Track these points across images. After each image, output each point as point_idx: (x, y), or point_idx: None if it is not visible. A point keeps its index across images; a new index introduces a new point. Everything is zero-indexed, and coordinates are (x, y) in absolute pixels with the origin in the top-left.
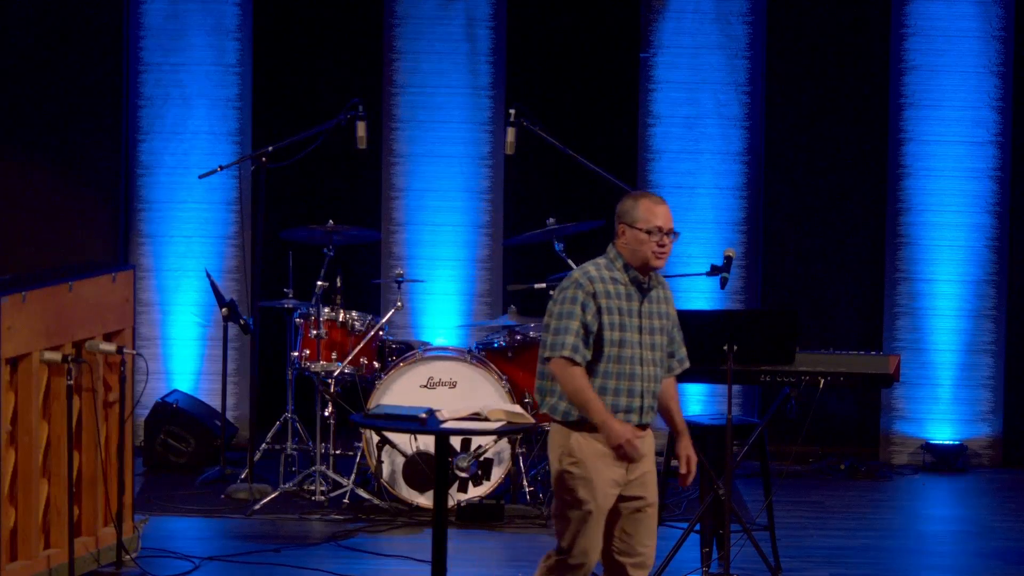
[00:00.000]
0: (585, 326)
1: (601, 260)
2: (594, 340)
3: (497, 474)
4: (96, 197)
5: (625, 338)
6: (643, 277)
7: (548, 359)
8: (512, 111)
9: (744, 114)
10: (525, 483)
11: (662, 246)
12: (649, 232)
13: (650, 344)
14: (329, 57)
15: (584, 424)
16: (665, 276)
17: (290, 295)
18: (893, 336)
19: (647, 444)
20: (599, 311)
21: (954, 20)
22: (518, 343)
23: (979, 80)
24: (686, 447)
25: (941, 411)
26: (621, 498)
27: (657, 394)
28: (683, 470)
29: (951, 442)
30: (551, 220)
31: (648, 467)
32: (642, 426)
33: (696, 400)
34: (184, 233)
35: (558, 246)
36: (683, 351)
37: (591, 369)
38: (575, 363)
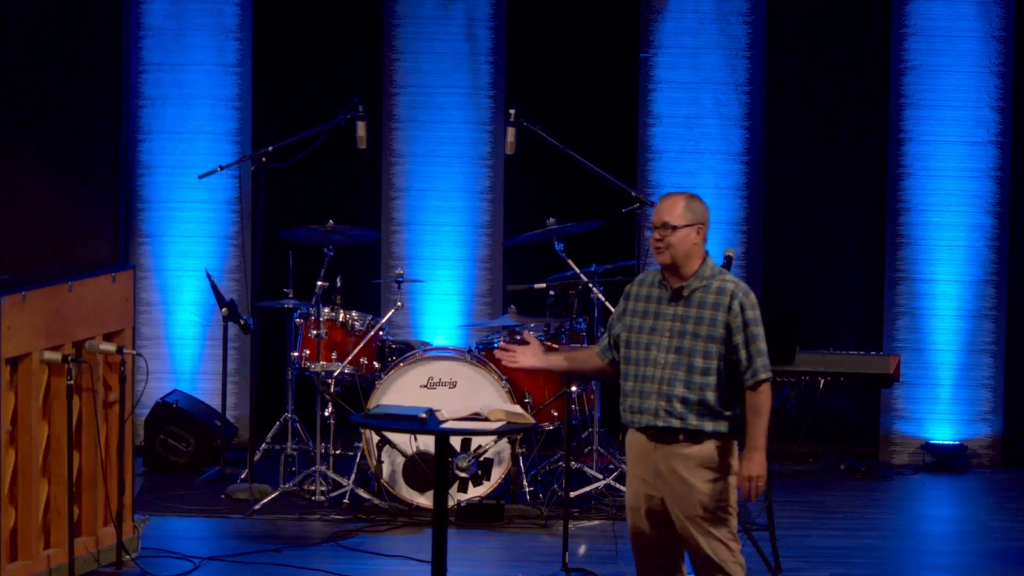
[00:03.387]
0: (611, 325)
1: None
2: (615, 338)
3: (497, 474)
4: (96, 197)
5: (641, 339)
6: (674, 279)
7: None
8: (512, 111)
9: (744, 114)
10: (525, 483)
11: (658, 241)
12: (650, 231)
13: (668, 347)
14: (329, 57)
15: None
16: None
17: (290, 295)
18: (893, 336)
19: (668, 453)
20: (624, 312)
21: (954, 20)
22: (518, 343)
23: (979, 80)
24: (743, 465)
25: (941, 411)
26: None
27: (691, 399)
28: (741, 486)
29: (951, 442)
30: (551, 220)
31: (667, 473)
32: (654, 428)
33: None
34: (184, 233)
35: (558, 246)
36: (756, 364)
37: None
38: (592, 347)
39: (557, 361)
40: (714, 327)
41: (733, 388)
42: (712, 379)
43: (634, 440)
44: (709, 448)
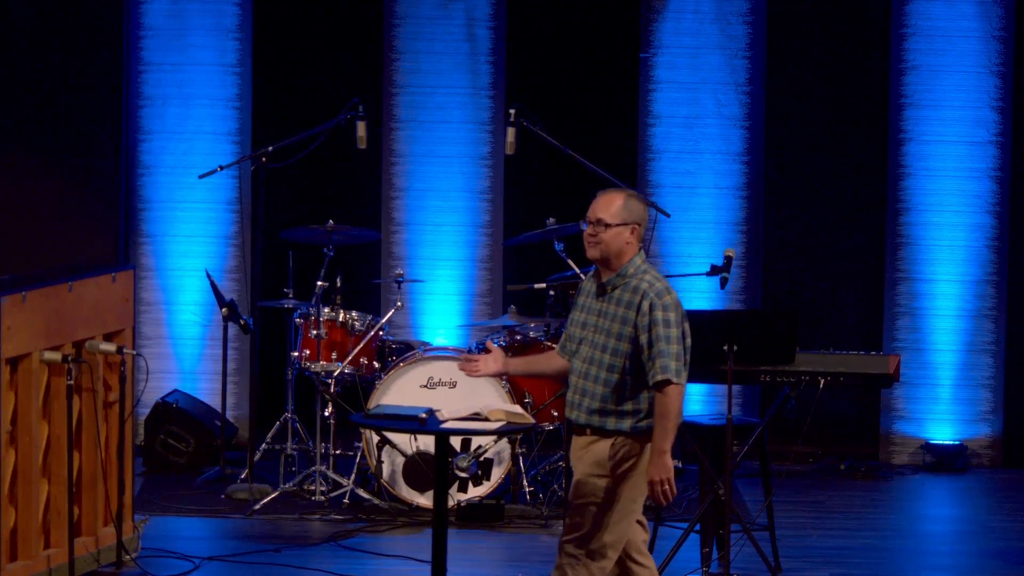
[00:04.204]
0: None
1: None
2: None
3: (497, 474)
4: (96, 197)
5: (575, 334)
6: (604, 273)
7: None
8: (512, 111)
9: (744, 114)
10: (525, 483)
11: (591, 236)
12: (585, 224)
13: (591, 342)
14: (329, 57)
15: None
16: (666, 276)
17: (290, 295)
18: (893, 336)
19: (577, 446)
20: (573, 307)
21: (954, 20)
22: (518, 343)
23: (979, 80)
24: (648, 468)
25: (941, 411)
26: None
27: (597, 395)
28: (649, 491)
29: (951, 442)
30: (551, 220)
31: (576, 473)
32: (574, 422)
33: (696, 400)
34: (184, 233)
35: (558, 246)
36: (657, 365)
37: None
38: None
39: (519, 365)
40: (624, 325)
41: (642, 388)
42: (616, 377)
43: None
44: (608, 446)
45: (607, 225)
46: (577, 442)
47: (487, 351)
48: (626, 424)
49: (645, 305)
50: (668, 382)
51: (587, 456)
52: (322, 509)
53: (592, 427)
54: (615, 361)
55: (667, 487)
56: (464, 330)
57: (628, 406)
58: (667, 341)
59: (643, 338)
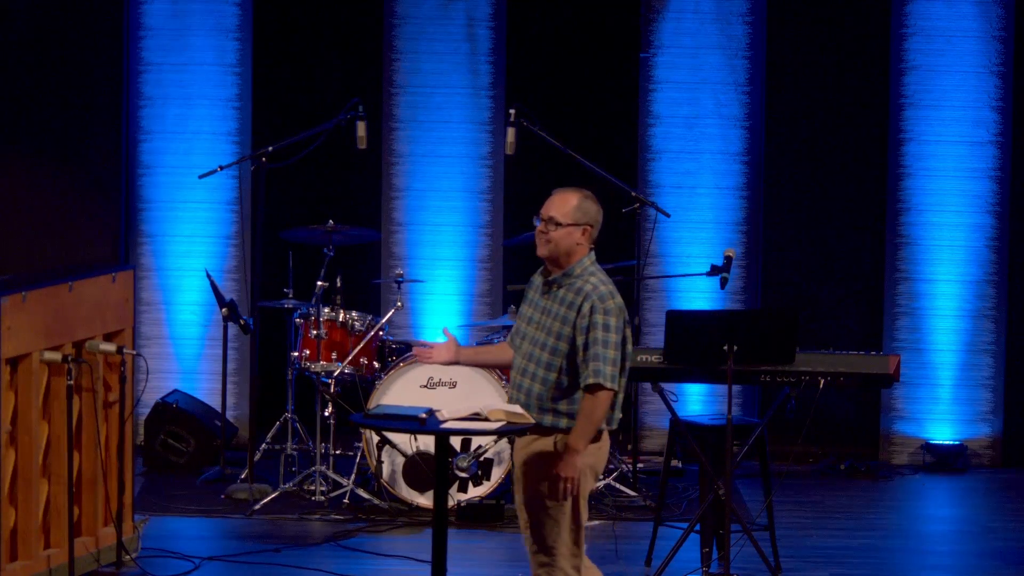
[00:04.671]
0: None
1: None
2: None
3: (497, 474)
4: (96, 197)
5: (521, 327)
6: (551, 269)
7: None
8: (512, 111)
9: (744, 114)
10: None
11: (542, 233)
12: (537, 220)
13: (532, 338)
14: (329, 57)
15: None
16: (666, 276)
17: (290, 295)
18: (893, 336)
19: (519, 443)
20: (522, 300)
21: (954, 20)
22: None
23: (979, 80)
24: (557, 463)
25: (941, 411)
26: None
27: (534, 392)
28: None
29: (951, 442)
30: None
31: (523, 471)
32: None
33: (696, 400)
34: (185, 233)
35: None
36: (590, 368)
37: None
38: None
39: (470, 355)
40: (564, 325)
41: (578, 389)
42: (554, 376)
43: None
44: (547, 443)
45: (558, 224)
46: (520, 440)
47: (403, 344)
48: (563, 423)
49: (586, 307)
50: (600, 386)
51: (531, 454)
52: (322, 509)
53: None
54: (554, 360)
55: (570, 484)
56: (464, 330)
57: (563, 406)
58: (604, 346)
59: (580, 340)
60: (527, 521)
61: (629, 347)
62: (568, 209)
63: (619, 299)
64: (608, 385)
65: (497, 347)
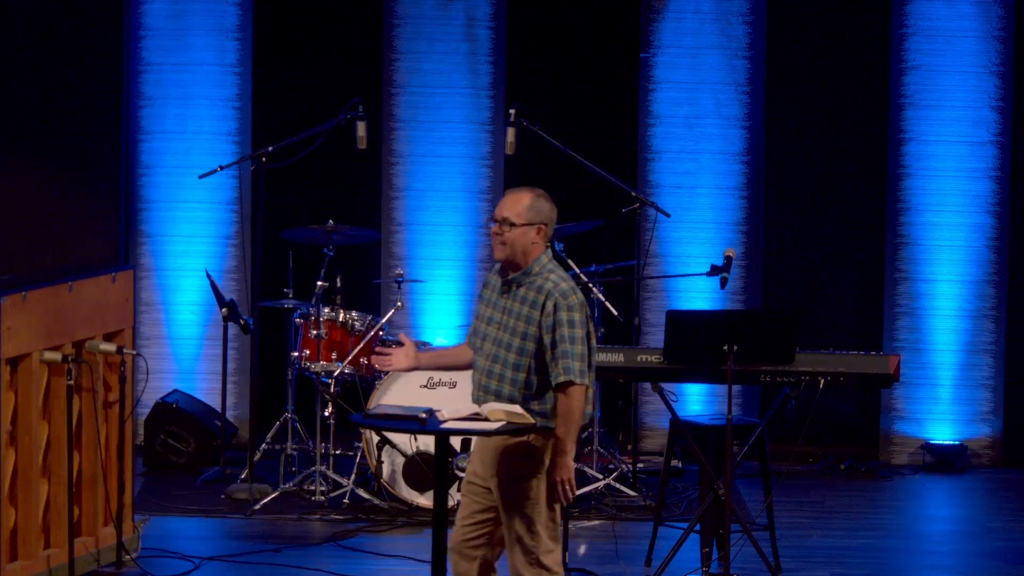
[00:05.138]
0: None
1: None
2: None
3: None
4: (96, 197)
5: (480, 328)
6: (508, 271)
7: None
8: (512, 111)
9: (744, 114)
10: None
11: (496, 235)
12: (493, 222)
13: (495, 338)
14: (329, 57)
15: None
16: (666, 276)
17: (290, 295)
18: (893, 336)
19: (487, 444)
20: (479, 301)
21: (954, 20)
22: (394, 344)
23: (979, 80)
24: (550, 469)
25: (941, 411)
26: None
27: (504, 393)
28: (553, 490)
29: (951, 442)
30: None
31: (497, 474)
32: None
33: (696, 400)
34: (184, 233)
35: (558, 246)
36: (560, 365)
37: None
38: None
39: (430, 359)
40: (529, 325)
41: (548, 388)
42: (522, 376)
43: None
44: (521, 443)
45: (512, 224)
46: (485, 441)
47: (399, 343)
48: (536, 422)
49: (550, 305)
50: (571, 383)
51: (504, 455)
52: (322, 509)
53: None
54: (521, 360)
55: (568, 487)
56: (464, 330)
57: (535, 405)
58: (571, 342)
59: (547, 338)
60: (509, 527)
61: (593, 342)
62: (521, 209)
63: (580, 295)
64: (578, 381)
65: (456, 349)
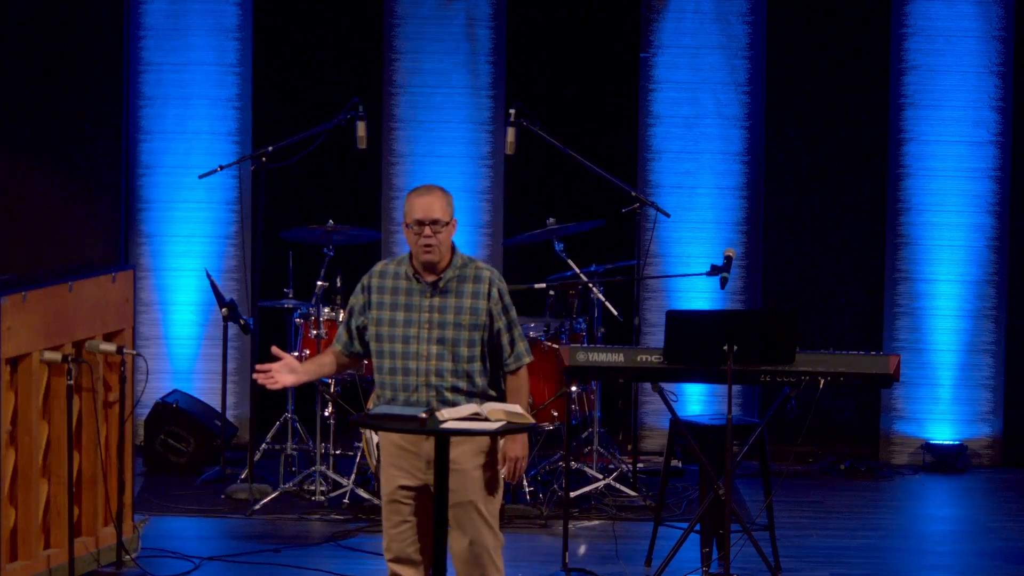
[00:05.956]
0: (349, 320)
1: (403, 255)
2: (358, 330)
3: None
4: (96, 197)
5: (396, 332)
6: (427, 273)
7: None
8: (512, 111)
9: (744, 114)
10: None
11: (428, 238)
12: (410, 226)
13: (438, 338)
14: (329, 57)
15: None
16: (666, 276)
17: (290, 295)
18: (893, 336)
19: (459, 446)
20: (367, 305)
21: (954, 20)
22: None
23: (979, 80)
24: (507, 446)
25: (941, 411)
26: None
27: (456, 387)
28: (500, 468)
29: (951, 442)
30: (551, 220)
31: (457, 466)
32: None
33: (696, 400)
34: (184, 233)
35: (558, 246)
36: (519, 347)
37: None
38: (333, 348)
39: (312, 369)
40: (476, 315)
41: (496, 371)
42: (478, 365)
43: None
44: (483, 438)
45: (444, 224)
46: (432, 439)
47: (277, 358)
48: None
49: (495, 292)
50: (524, 365)
51: (463, 448)
52: (322, 509)
53: None
54: (473, 351)
55: (522, 464)
56: None
57: (493, 389)
58: (517, 324)
59: (499, 323)
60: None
61: None
62: (447, 207)
63: None
64: (528, 360)
65: (327, 356)
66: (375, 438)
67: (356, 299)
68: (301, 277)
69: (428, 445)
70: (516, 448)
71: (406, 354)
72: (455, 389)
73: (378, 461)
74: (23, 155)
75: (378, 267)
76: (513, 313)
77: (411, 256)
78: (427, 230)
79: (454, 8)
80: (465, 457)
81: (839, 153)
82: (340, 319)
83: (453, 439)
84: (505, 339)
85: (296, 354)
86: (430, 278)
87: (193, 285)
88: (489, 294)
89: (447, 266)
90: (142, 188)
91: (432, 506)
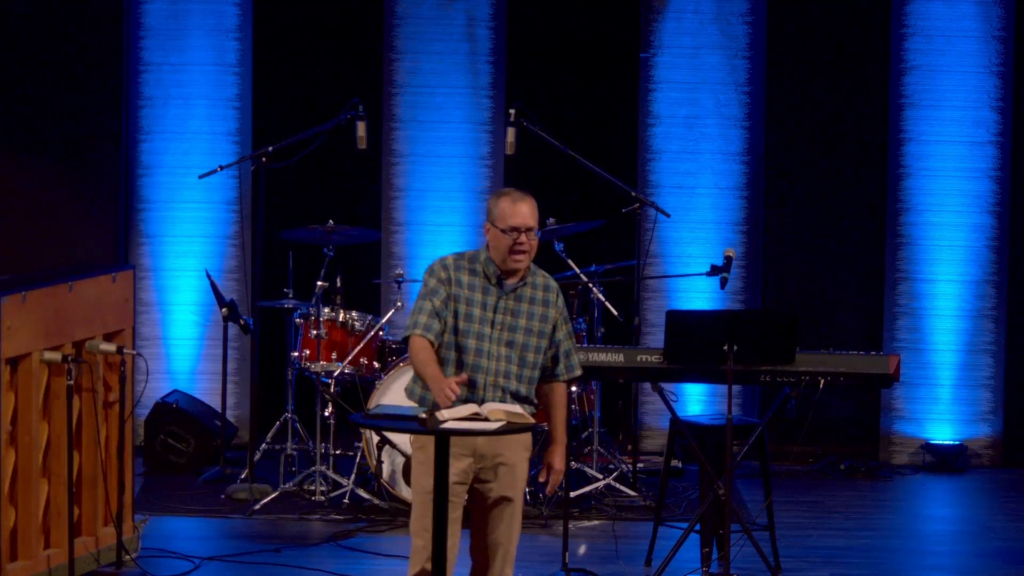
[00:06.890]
0: (436, 310)
1: (469, 252)
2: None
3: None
4: (96, 197)
5: (471, 328)
6: (507, 275)
7: (404, 339)
8: (512, 111)
9: (744, 114)
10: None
11: (522, 245)
12: (504, 232)
13: (500, 339)
14: (329, 57)
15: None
16: (666, 276)
17: (290, 295)
18: (893, 336)
19: (495, 440)
20: (448, 297)
21: (954, 20)
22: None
23: (979, 80)
24: (550, 455)
25: (941, 411)
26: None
27: (517, 393)
28: (542, 478)
29: (951, 442)
30: (551, 220)
31: (506, 460)
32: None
33: (696, 400)
34: (184, 233)
35: (558, 246)
36: (574, 358)
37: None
38: (424, 338)
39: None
40: (544, 322)
41: (538, 379)
42: (538, 373)
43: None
44: (528, 436)
45: (535, 231)
46: (501, 437)
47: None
48: (531, 411)
49: (560, 301)
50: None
51: (519, 448)
52: (322, 509)
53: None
54: (538, 359)
55: (561, 477)
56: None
57: (534, 397)
58: (574, 334)
59: (561, 332)
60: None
61: None
62: (537, 214)
63: None
64: (579, 373)
65: (432, 350)
66: (375, 438)
67: (438, 290)
68: (301, 277)
69: (474, 441)
70: (560, 461)
71: (478, 351)
72: (516, 394)
73: (379, 461)
74: (23, 155)
75: (450, 261)
76: (571, 323)
77: (485, 256)
78: (522, 237)
79: (454, 8)
80: (516, 454)
81: (839, 153)
82: (340, 319)
83: (501, 439)
84: (563, 348)
85: (295, 354)
86: (511, 281)
87: (193, 285)
88: (556, 302)
89: (528, 271)
90: (142, 188)
91: (476, 504)
